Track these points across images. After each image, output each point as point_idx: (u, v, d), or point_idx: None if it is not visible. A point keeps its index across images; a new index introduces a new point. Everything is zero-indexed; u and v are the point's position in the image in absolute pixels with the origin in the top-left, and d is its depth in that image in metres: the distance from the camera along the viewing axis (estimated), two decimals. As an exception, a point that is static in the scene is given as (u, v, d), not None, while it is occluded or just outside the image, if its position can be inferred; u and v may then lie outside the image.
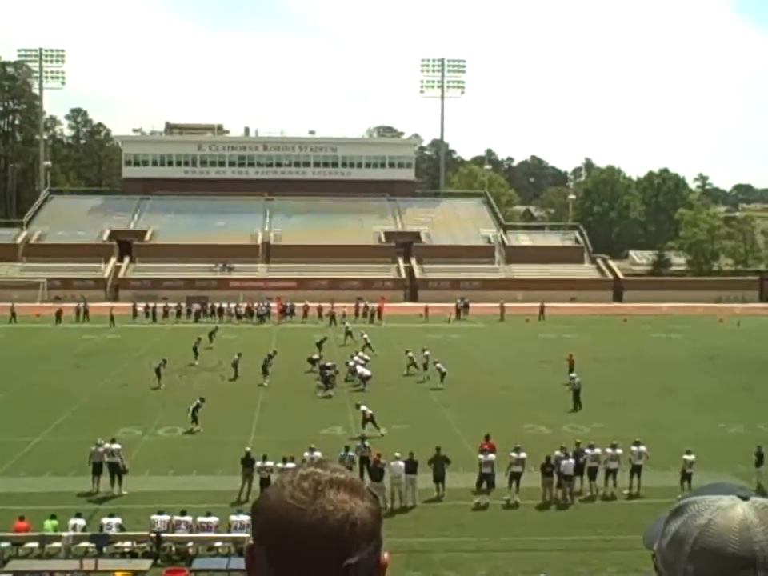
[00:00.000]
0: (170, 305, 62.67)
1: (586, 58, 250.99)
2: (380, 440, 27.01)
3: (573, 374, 35.86)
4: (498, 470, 23.51)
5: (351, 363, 39.70)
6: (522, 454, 23.70)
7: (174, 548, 19.94)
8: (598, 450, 24.31)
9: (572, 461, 23.58)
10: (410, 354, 41.24)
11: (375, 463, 23.11)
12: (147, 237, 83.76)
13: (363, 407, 30.05)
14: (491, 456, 23.66)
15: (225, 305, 62.87)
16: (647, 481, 23.96)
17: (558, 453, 23.95)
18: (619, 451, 24.18)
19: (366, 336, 47.34)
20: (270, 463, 23.01)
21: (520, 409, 33.81)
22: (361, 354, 42.14)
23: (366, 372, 38.00)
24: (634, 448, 24.29)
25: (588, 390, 34.72)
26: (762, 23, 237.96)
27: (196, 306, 62.86)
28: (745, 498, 1.41)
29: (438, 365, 38.82)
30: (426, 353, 40.78)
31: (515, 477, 23.38)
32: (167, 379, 38.11)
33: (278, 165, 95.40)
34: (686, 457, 23.60)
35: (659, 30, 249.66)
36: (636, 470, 24.02)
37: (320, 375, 37.69)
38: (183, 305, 63.35)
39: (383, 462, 23.10)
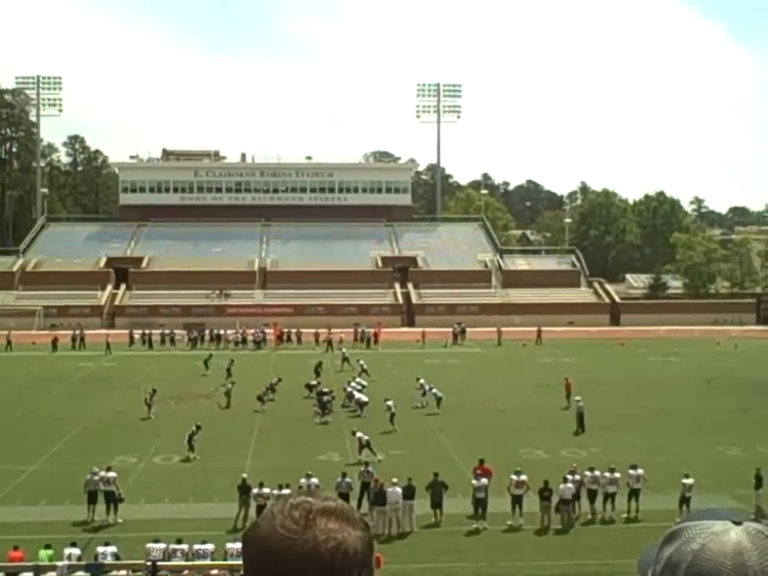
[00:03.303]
0: (173, 331, 62.81)
1: (581, 82, 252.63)
2: (378, 466, 26.85)
3: (578, 398, 35.84)
4: (494, 495, 23.40)
5: (348, 389, 39.61)
6: (523, 477, 23.61)
7: (169, 576, 19.76)
8: (597, 473, 24.25)
9: (570, 485, 23.49)
10: (421, 381, 40.93)
11: (379, 487, 23.03)
12: (144, 264, 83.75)
13: (359, 434, 29.93)
14: (484, 480, 23.55)
15: (222, 331, 62.89)
16: (646, 504, 23.85)
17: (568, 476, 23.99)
18: (617, 475, 24.09)
19: (362, 362, 47.23)
20: (266, 490, 22.87)
21: (517, 433, 33.70)
22: (358, 379, 42.07)
23: (364, 398, 37.84)
24: (631, 472, 24.21)
25: (586, 414, 34.62)
26: (757, 49, 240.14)
27: (194, 333, 62.91)
28: (738, 523, 1.40)
29: (434, 390, 38.75)
30: (421, 381, 40.71)
31: (517, 500, 23.27)
32: (163, 407, 37.95)
33: (275, 191, 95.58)
34: (684, 481, 23.50)
35: (654, 54, 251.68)
36: (634, 493, 23.94)
37: (317, 401, 37.57)
38: (184, 332, 63.37)
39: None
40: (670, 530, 1.44)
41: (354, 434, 30.37)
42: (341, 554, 1.37)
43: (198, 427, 30.66)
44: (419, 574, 19.95)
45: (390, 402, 35.31)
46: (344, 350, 53.66)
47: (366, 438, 29.62)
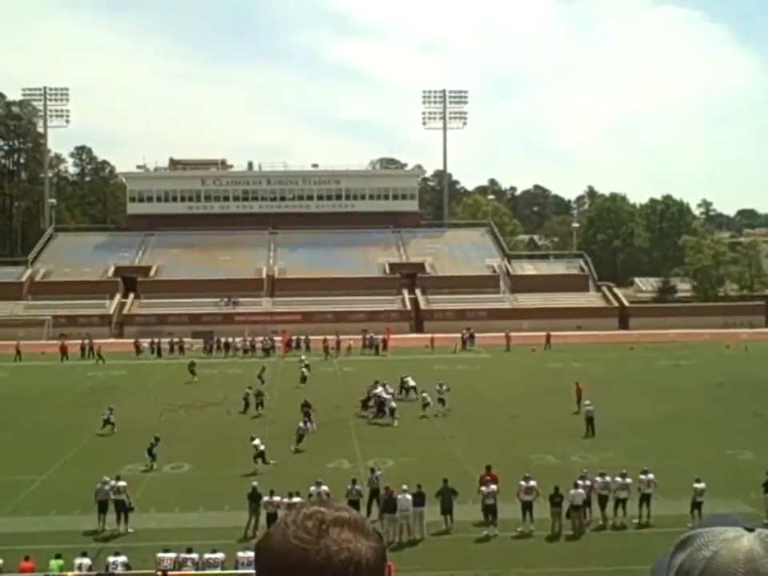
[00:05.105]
0: (181, 339, 63.07)
1: (586, 85, 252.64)
2: (388, 473, 26.67)
3: (587, 402, 35.79)
4: (504, 501, 23.32)
5: (378, 390, 39.22)
6: (532, 483, 23.52)
7: (180, 586, 19.75)
8: (608, 478, 24.15)
9: (581, 491, 23.40)
10: (444, 386, 40.23)
11: (389, 494, 22.95)
12: (152, 273, 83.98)
13: (255, 441, 29.45)
14: (493, 487, 23.44)
15: (231, 339, 63.01)
16: (657, 510, 23.73)
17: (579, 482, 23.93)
18: (629, 480, 23.98)
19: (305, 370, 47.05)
20: (276, 498, 22.85)
21: (527, 439, 33.61)
22: (386, 385, 41.31)
23: (393, 404, 37.79)
24: (642, 477, 24.10)
25: (596, 418, 34.55)
26: (764, 51, 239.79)
27: (209, 342, 63.21)
28: (750, 530, 1.39)
29: (424, 394, 38.85)
30: (444, 386, 40.02)
31: (527, 506, 23.20)
32: (172, 415, 37.93)
33: (282, 198, 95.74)
34: (696, 485, 23.35)
35: (661, 58, 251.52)
36: (645, 498, 23.81)
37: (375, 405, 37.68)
38: (199, 340, 63.72)
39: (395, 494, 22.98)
40: (681, 537, 1.43)
41: (252, 440, 29.78)
42: (354, 565, 1.37)
43: (157, 439, 30.44)
44: (430, 581, 19.88)
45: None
46: (304, 357, 53.38)
47: (262, 447, 29.20)
